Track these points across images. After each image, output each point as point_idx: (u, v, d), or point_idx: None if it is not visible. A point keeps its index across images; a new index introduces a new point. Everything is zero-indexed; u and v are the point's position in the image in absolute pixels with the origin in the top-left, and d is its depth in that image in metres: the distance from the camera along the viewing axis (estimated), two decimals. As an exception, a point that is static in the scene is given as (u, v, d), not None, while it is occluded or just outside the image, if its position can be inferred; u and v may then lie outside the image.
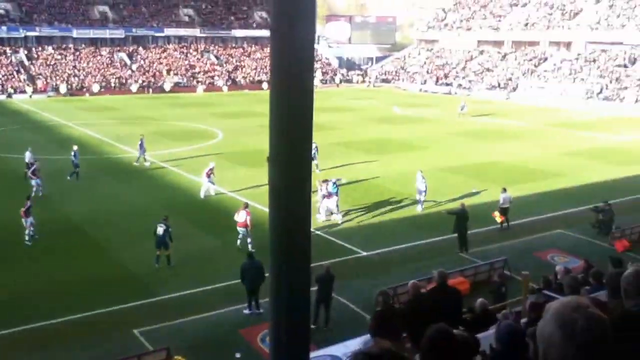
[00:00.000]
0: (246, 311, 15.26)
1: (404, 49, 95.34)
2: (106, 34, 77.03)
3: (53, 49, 73.28)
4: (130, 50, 77.52)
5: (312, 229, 4.00)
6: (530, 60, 74.02)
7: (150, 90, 70.17)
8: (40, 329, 14.36)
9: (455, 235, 20.10)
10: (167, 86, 71.70)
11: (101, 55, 75.15)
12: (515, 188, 27.11)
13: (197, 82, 74.31)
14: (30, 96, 63.77)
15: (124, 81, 71.17)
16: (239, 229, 19.62)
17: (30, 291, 16.40)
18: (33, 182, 24.84)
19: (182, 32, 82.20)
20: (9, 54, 70.58)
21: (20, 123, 46.42)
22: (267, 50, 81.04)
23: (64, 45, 74.42)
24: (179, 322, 14.76)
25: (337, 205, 22.89)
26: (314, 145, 31.26)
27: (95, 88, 68.21)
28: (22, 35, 72.31)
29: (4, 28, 71.23)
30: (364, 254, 19.71)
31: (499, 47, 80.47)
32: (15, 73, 68.00)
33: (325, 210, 22.66)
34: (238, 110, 54.06)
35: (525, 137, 41.51)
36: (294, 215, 4.31)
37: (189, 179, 28.96)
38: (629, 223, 21.27)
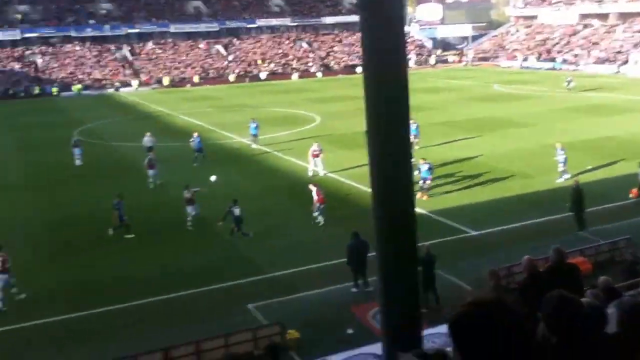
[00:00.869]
0: (354, 289, 15.20)
1: (501, 26, 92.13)
2: (201, 27, 79.17)
3: (153, 44, 76.07)
4: (226, 42, 79.26)
5: (417, 209, 3.80)
6: (640, 31, 69.51)
7: (247, 79, 71.52)
8: (164, 302, 15.07)
9: (572, 214, 19.07)
10: (263, 75, 72.84)
11: (198, 48, 77.31)
12: (633, 164, 25.50)
13: (292, 69, 74.94)
14: (136, 89, 66.69)
15: (221, 71, 72.94)
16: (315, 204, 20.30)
17: (150, 270, 17.11)
18: (150, 173, 25.39)
19: (273, 22, 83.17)
20: (113, 51, 73.95)
21: (128, 114, 48.59)
22: (358, 35, 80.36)
23: (162, 41, 77.15)
24: (291, 298, 14.97)
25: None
26: (414, 123, 31.35)
27: (196, 79, 70.30)
28: (124, 32, 75.56)
29: (107, 27, 74.66)
30: (474, 233, 19.08)
31: (603, 20, 76.03)
32: (120, 68, 71.21)
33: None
34: (333, 95, 54.03)
35: (637, 111, 38.92)
36: (397, 191, 4.12)
37: (290, 162, 29.23)
38: None
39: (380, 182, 4.17)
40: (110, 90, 66.30)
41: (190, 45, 77.35)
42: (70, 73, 68.68)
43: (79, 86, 65.83)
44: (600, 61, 67.01)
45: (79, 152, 30.01)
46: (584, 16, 78.40)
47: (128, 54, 74.20)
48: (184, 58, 74.77)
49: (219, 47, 78.29)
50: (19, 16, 72.33)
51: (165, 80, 69.18)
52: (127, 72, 70.76)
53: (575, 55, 70.87)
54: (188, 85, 68.66)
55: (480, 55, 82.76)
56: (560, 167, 24.13)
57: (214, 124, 40.19)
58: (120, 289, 15.82)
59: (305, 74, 74.51)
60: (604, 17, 76.35)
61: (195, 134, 30.39)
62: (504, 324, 1.88)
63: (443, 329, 11.22)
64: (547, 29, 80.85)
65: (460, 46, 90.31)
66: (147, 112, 49.22)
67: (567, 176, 23.63)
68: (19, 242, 19.35)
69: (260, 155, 31.30)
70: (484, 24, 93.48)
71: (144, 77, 69.72)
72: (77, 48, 72.88)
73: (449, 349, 3.07)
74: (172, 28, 77.34)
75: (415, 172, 21.96)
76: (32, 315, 14.68)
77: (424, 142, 29.48)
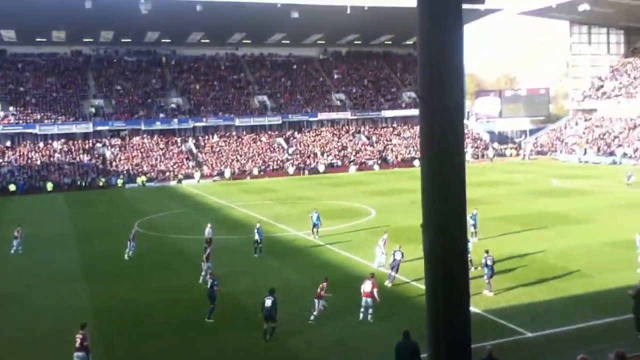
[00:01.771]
0: None
1: (559, 120, 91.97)
2: (265, 121, 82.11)
3: (218, 137, 79.10)
4: (287, 135, 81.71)
5: (472, 308, 3.69)
6: None
7: (306, 171, 73.02)
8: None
9: (633, 316, 18.39)
10: (321, 167, 74.27)
11: (260, 141, 79.90)
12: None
13: (350, 162, 76.23)
14: (198, 181, 69.02)
15: (281, 164, 74.84)
16: (364, 299, 19.78)
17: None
18: (204, 266, 25.30)
19: (334, 115, 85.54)
20: (179, 144, 77.18)
21: (188, 206, 50.05)
22: (417, 128, 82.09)
23: (227, 133, 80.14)
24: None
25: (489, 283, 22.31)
26: (473, 212, 30.94)
27: (255, 171, 72.24)
28: (191, 125, 79.03)
29: (175, 120, 78.32)
30: (530, 335, 18.40)
31: (666, 113, 75.06)
32: (184, 160, 74.03)
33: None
34: (389, 188, 54.45)
35: None
36: (453, 290, 4.09)
37: (344, 256, 29.25)
38: None
39: (435, 279, 4.15)
40: (173, 183, 68.79)
41: (253, 139, 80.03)
42: (137, 165, 71.73)
43: (144, 178, 68.57)
44: (664, 155, 65.65)
45: (133, 245, 30.27)
46: (645, 109, 77.66)
47: (193, 147, 77.26)
48: (245, 150, 77.23)
49: (280, 140, 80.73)
50: (92, 110, 76.58)
51: (226, 173, 71.32)
52: (191, 164, 73.45)
53: (636, 149, 69.70)
54: (248, 178, 70.53)
55: (538, 149, 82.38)
56: None
57: (271, 216, 40.90)
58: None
59: (362, 166, 75.59)
60: (666, 110, 75.45)
61: (258, 225, 31.02)
62: None
63: None
64: (607, 122, 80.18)
65: (517, 139, 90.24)
66: (206, 204, 50.60)
67: None
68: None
69: (315, 248, 31.54)
70: (542, 117, 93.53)
71: (206, 170, 72.14)
72: (145, 141, 76.38)
73: None
74: (237, 121, 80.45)
75: (472, 269, 21.80)
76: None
77: (480, 235, 29.24)
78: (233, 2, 69.59)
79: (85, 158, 71.82)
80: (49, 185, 64.67)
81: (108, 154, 73.48)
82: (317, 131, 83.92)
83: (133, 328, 20.31)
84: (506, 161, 78.14)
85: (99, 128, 75.53)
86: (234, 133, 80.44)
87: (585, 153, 74.10)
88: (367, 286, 19.88)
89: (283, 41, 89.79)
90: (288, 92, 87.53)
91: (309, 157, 77.33)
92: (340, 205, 45.76)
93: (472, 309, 17.37)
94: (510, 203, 42.89)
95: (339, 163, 76.66)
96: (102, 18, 70.32)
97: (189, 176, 70.28)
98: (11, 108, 74.44)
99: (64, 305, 22.93)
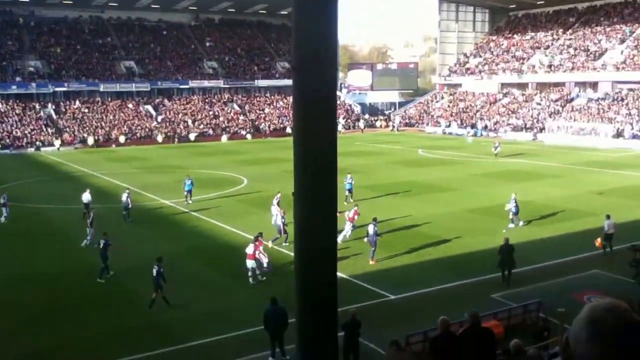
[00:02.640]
0: (271, 358, 14.96)
1: (427, 93, 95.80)
2: (132, 87, 78.63)
3: (80, 102, 74.87)
4: (156, 103, 78.95)
5: (338, 273, 3.74)
6: (556, 101, 73.60)
7: (176, 140, 71.10)
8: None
9: (500, 273, 20.06)
10: (192, 136, 72.63)
11: (127, 108, 76.59)
12: (546, 228, 26.63)
13: (222, 131, 75.14)
14: (59, 149, 65.08)
15: (149, 132, 72.31)
16: (247, 262, 20.15)
17: (57, 338, 16.23)
18: (89, 231, 25.05)
19: (206, 83, 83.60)
20: (38, 109, 72.22)
21: (49, 174, 47.15)
22: (290, 98, 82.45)
23: (91, 99, 76.05)
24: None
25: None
26: (349, 177, 32.20)
27: (122, 139, 69.35)
28: (51, 90, 73.99)
29: (34, 84, 73.06)
30: (392, 297, 19.21)
31: (522, 90, 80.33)
32: (43, 127, 69.43)
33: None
34: (262, 157, 54.34)
35: (554, 177, 40.80)
36: (320, 255, 4.12)
37: (214, 224, 28.86)
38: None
39: (304, 246, 4.17)
40: (31, 150, 64.41)
41: (119, 105, 76.56)
42: (-9, 131, 66.64)
43: (-2, 144, 63.62)
44: (518, 128, 70.28)
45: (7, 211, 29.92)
46: (505, 85, 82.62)
47: (53, 113, 72.56)
48: (111, 118, 73.76)
49: (149, 107, 77.82)
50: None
51: (89, 140, 67.82)
52: (51, 130, 69.10)
53: (496, 123, 74.13)
54: (113, 146, 67.59)
55: (407, 121, 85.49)
56: (511, 215, 26.82)
57: (139, 186, 39.45)
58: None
59: (235, 136, 74.78)
60: (523, 86, 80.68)
61: (127, 191, 30.82)
62: None
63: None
64: (470, 97, 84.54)
65: (388, 112, 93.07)
66: (68, 172, 47.93)
67: (517, 224, 26.77)
68: None
69: (187, 217, 30.88)
70: (411, 91, 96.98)
71: (67, 137, 68.21)
72: (0, 105, 70.86)
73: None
74: (102, 87, 76.46)
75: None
76: None
77: (348, 207, 29.70)
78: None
79: None
80: None
81: (-42, 119, 67.50)
82: (187, 99, 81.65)
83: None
84: (376, 132, 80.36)
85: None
86: (98, 99, 76.39)
87: (449, 125, 77.76)
88: (249, 248, 20.34)
89: (152, 5, 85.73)
90: (157, 58, 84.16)
91: (179, 125, 75.26)
92: (212, 174, 45.02)
93: (339, 274, 17.67)
94: (379, 172, 44.12)
95: (211, 132, 75.28)
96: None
97: (48, 143, 66.09)
98: None
99: None
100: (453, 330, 11.69)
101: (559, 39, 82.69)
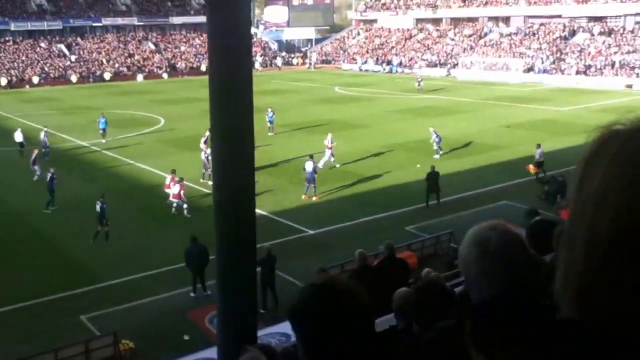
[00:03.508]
0: (192, 294, 15.33)
1: (343, 30, 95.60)
2: (44, 26, 74.86)
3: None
4: (69, 41, 75.50)
5: (257, 210, 3.99)
6: (470, 36, 75.23)
7: (91, 79, 68.60)
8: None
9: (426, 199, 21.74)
10: (107, 75, 70.18)
11: (40, 47, 72.99)
12: (458, 162, 27.81)
13: (137, 70, 72.83)
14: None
15: (63, 72, 69.35)
16: (172, 200, 21.06)
17: None
18: (35, 168, 25.69)
19: (119, 21, 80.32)
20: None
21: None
22: (206, 36, 79.85)
23: (2, 39, 71.99)
24: (126, 307, 14.78)
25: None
26: (270, 111, 33.07)
27: (35, 80, 66.46)
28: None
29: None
30: (311, 232, 19.83)
31: (437, 25, 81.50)
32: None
33: None
34: (179, 97, 53.25)
35: (465, 112, 42.22)
36: (238, 193, 4.31)
37: (131, 165, 28.61)
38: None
39: (222, 184, 4.24)
40: None
41: (31, 45, 72.74)
42: None
43: None
44: (433, 64, 71.74)
45: None
46: (419, 21, 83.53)
47: (-42, 52, 68.26)
48: (23, 58, 70.18)
49: (62, 47, 74.34)
50: None
51: (2, 81, 64.61)
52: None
53: (411, 59, 75.28)
54: (27, 87, 64.54)
55: (323, 58, 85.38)
56: (435, 147, 28.60)
57: (54, 127, 38.09)
58: None
59: (150, 75, 72.71)
60: (437, 22, 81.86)
61: (45, 128, 31.03)
62: (344, 303, 1.72)
63: (279, 328, 11.68)
64: (386, 33, 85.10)
65: (304, 49, 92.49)
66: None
67: (439, 155, 28.46)
68: None
69: (101, 157, 30.43)
70: (327, 27, 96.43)
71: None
72: None
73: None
74: (13, 26, 72.64)
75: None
76: None
77: (263, 143, 29.73)
78: None
79: None
80: None
81: None
82: (101, 37, 78.35)
83: None
84: (293, 70, 79.97)
85: None
86: (9, 38, 72.38)
87: (365, 62, 78.32)
88: (174, 189, 20.99)
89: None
90: (68, -6, 79.97)
91: (93, 64, 72.38)
92: (128, 114, 43.98)
93: (259, 211, 18.12)
94: (296, 110, 44.26)
95: (126, 71, 72.82)
96: None
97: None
98: None
99: None
100: (369, 263, 12.42)
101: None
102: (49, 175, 22.28)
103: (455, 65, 69.26)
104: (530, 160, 25.47)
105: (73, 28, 77.10)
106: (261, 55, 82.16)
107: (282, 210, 21.74)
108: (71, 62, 72.15)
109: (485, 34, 74.67)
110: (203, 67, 74.58)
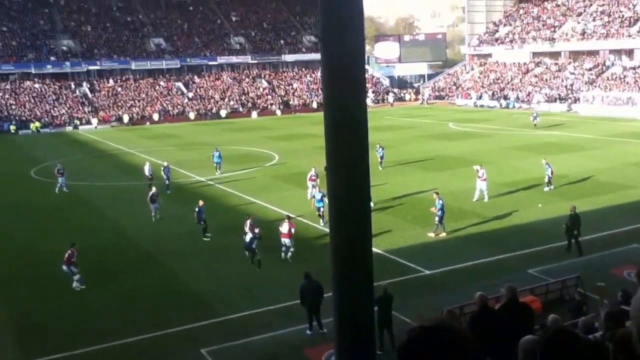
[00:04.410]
0: (308, 332, 15.23)
1: (456, 64, 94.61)
2: (162, 64, 79.47)
3: (114, 81, 75.88)
4: (186, 80, 79.62)
5: (373, 248, 3.80)
6: (590, 70, 72.13)
7: (208, 116, 71.79)
8: (113, 349, 14.71)
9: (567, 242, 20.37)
10: (223, 113, 73.22)
11: (159, 85, 77.42)
12: (585, 202, 26.19)
13: (251, 107, 75.48)
14: (96, 127, 66.41)
15: (181, 109, 73.10)
16: (282, 240, 20.54)
17: (98, 311, 16.88)
18: (152, 207, 26.11)
19: (234, 59, 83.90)
20: (73, 88, 73.52)
21: (87, 152, 48.22)
22: (318, 73, 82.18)
23: (124, 77, 77.03)
24: (244, 342, 14.92)
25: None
26: (379, 147, 34.03)
27: (155, 117, 70.37)
28: (85, 69, 75.22)
29: (68, 64, 74.25)
30: (427, 272, 19.29)
31: (555, 59, 78.82)
32: (79, 105, 70.71)
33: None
34: (292, 133, 54.52)
35: (590, 149, 40.18)
36: (355, 230, 4.14)
37: (246, 199, 29.34)
38: None
39: (338, 220, 4.15)
40: (69, 128, 65.77)
41: (151, 83, 77.42)
42: (29, 110, 68.16)
43: (37, 124, 65.19)
44: (552, 99, 69.19)
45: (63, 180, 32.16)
46: (536, 54, 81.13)
47: (88, 91, 73.77)
48: (144, 96, 74.71)
49: (180, 85, 78.55)
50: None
51: (125, 118, 68.98)
52: (87, 109, 70.26)
53: (528, 94, 73.06)
54: (147, 123, 68.52)
55: (436, 94, 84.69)
56: (546, 179, 27.99)
57: (173, 162, 40.02)
58: (69, 335, 15.55)
59: (264, 112, 75.07)
60: (555, 55, 79.15)
61: (165, 163, 32.55)
62: (453, 347, 1.73)
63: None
64: (501, 67, 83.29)
65: (416, 84, 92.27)
66: (105, 150, 48.86)
67: (549, 188, 28.08)
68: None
69: (219, 192, 31.37)
70: (440, 63, 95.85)
71: (103, 115, 69.32)
72: (37, 85, 72.23)
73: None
74: (134, 65, 77.48)
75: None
76: None
77: (377, 180, 29.59)
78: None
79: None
80: None
81: (-3, 98, 69.16)
82: (217, 75, 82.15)
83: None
84: (406, 106, 79.82)
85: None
86: (130, 77, 77.38)
87: (480, 97, 76.88)
88: (284, 227, 20.53)
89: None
90: (185, 34, 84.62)
91: (209, 101, 75.85)
92: (243, 150, 45.43)
93: (374, 249, 17.92)
94: (409, 146, 43.93)
95: (241, 108, 75.70)
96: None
97: (86, 122, 67.41)
98: None
99: None
100: (490, 306, 11.76)
101: (591, 5, 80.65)
102: (196, 208, 23.21)
103: (576, 100, 66.42)
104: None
105: (190, 67, 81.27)
106: (373, 92, 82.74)
107: (398, 248, 21.38)
108: (188, 99, 75.88)
109: (607, 68, 71.28)
110: (314, 104, 76.26)
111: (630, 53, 71.35)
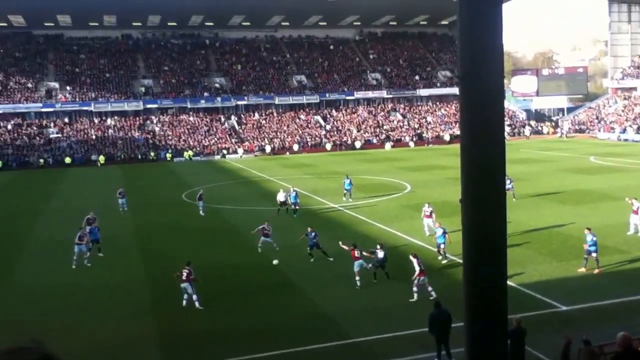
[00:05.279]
0: None
1: (598, 98, 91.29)
2: (303, 99, 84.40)
3: (259, 114, 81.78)
4: (324, 113, 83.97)
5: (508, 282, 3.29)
6: None
7: (343, 147, 75.00)
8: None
9: None
10: (358, 144, 75.90)
11: (299, 119, 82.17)
12: None
13: (385, 138, 77.57)
14: (241, 156, 72.11)
15: (319, 140, 76.85)
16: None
17: (230, 328, 17.77)
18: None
19: (370, 94, 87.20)
20: (223, 121, 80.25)
21: (232, 179, 52.25)
22: (452, 106, 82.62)
23: (268, 111, 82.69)
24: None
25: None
26: (508, 179, 32.69)
27: (295, 147, 74.91)
28: (234, 104, 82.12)
29: (219, 99, 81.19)
30: (564, 308, 18.30)
31: None
32: (227, 136, 77.07)
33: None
34: (425, 164, 55.22)
35: None
36: (490, 263, 4.19)
37: (377, 227, 30.01)
38: None
39: (474, 253, 4.11)
40: (217, 157, 71.99)
41: (292, 116, 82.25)
42: (183, 140, 75.82)
43: (190, 152, 72.43)
44: None
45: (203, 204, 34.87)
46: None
47: (235, 124, 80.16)
48: (285, 128, 79.51)
49: (318, 118, 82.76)
50: (142, 89, 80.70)
51: (267, 148, 74.03)
52: (234, 140, 76.17)
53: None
54: (287, 153, 72.78)
55: (576, 127, 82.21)
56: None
57: (309, 190, 42.22)
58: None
59: (398, 143, 76.81)
60: None
61: (294, 189, 34.58)
62: None
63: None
64: (647, 101, 79.52)
65: (555, 117, 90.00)
66: (248, 177, 52.55)
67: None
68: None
69: (351, 219, 32.28)
70: (580, 96, 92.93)
71: (248, 145, 74.94)
72: (191, 118, 79.88)
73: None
74: (277, 100, 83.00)
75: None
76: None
77: (515, 215, 28.71)
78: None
79: (137, 134, 76.03)
80: (101, 159, 69.60)
81: (157, 129, 77.36)
82: (353, 109, 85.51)
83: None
84: (543, 139, 78.08)
85: (149, 106, 79.63)
86: (273, 111, 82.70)
87: (624, 131, 73.84)
88: (415, 265, 19.45)
89: (320, 23, 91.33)
90: (325, 72, 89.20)
91: (345, 134, 78.99)
92: (376, 180, 46.77)
93: (508, 282, 17.59)
94: (547, 180, 42.80)
95: (375, 140, 78.02)
96: (149, 3, 74.08)
97: (232, 151, 73.21)
98: (68, 87, 79.17)
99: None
100: (635, 347, 10.58)
101: None
102: (312, 234, 24.18)
103: None
104: None
105: (328, 101, 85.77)
106: (508, 125, 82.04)
107: (532, 282, 20.43)
108: (326, 131, 79.85)
109: None
110: (446, 137, 77.08)
111: None
